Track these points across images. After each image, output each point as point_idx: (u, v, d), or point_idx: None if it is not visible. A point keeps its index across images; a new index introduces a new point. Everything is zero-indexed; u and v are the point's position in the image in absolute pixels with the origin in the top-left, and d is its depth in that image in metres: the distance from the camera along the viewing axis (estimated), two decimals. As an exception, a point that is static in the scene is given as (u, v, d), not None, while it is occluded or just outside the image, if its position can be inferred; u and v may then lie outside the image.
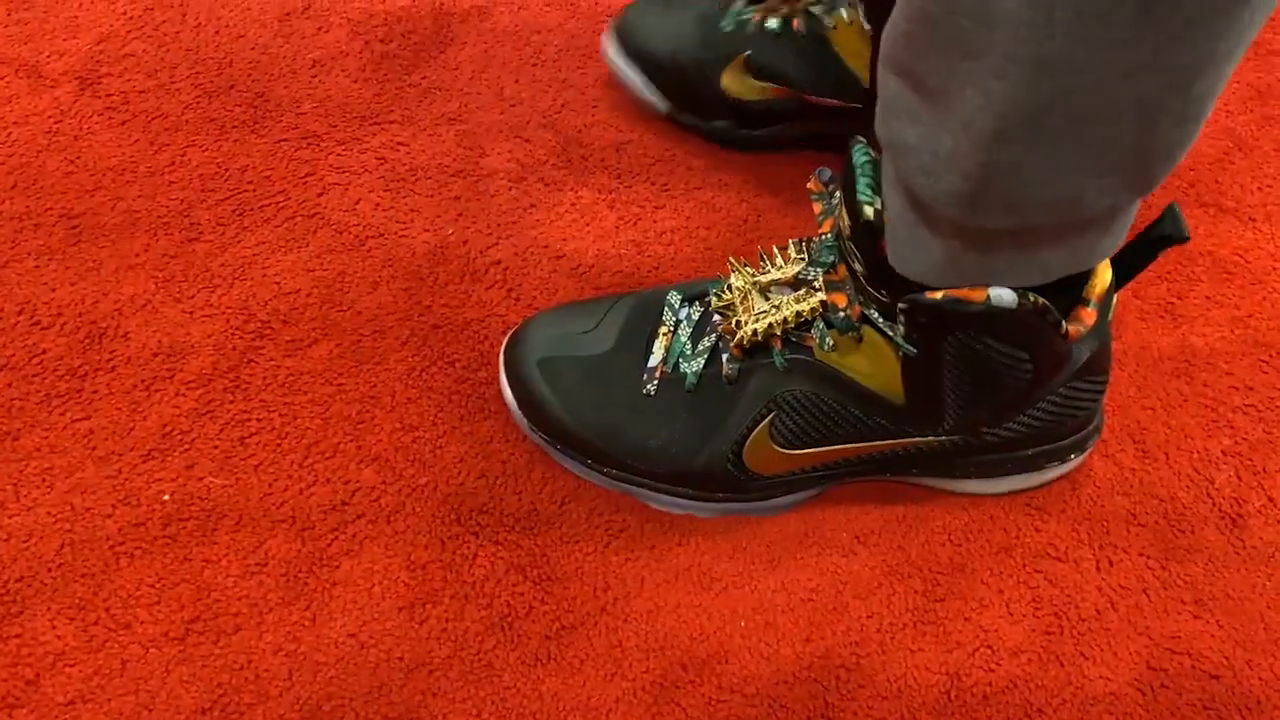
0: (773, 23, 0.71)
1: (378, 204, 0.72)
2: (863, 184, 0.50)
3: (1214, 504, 0.61)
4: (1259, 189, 0.76)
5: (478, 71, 0.80)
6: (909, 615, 0.57)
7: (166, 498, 0.59)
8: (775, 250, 0.58)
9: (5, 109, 0.76)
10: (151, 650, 0.55)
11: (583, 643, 0.56)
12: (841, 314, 0.53)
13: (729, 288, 0.57)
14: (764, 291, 0.57)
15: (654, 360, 0.58)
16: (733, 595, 0.58)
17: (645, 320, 0.60)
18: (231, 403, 0.63)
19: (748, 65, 0.72)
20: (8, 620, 0.55)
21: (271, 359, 0.65)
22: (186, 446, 0.61)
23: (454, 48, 0.81)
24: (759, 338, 0.55)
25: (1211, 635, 0.57)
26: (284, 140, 0.75)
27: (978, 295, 0.48)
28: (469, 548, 0.58)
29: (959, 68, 0.40)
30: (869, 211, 0.49)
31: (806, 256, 0.56)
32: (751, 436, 0.57)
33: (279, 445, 0.61)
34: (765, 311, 0.56)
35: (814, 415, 0.56)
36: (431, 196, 0.73)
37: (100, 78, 0.78)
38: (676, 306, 0.60)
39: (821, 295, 0.54)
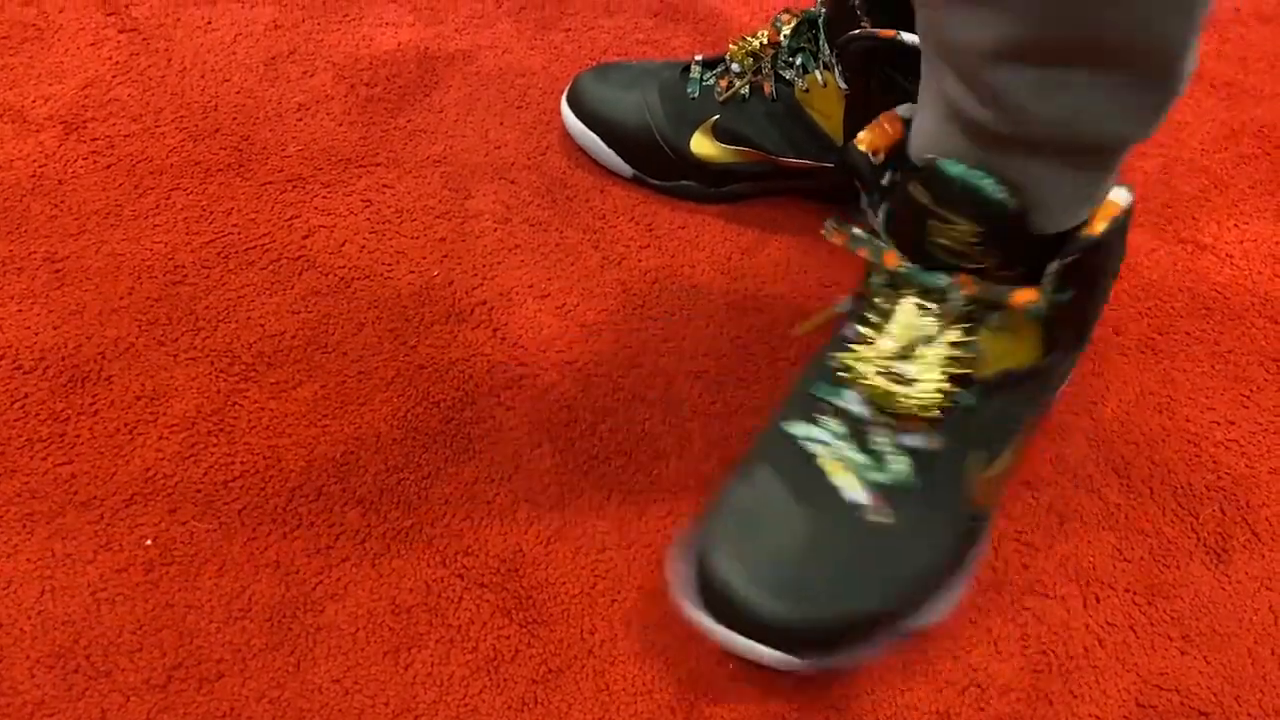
0: (742, 89, 0.72)
1: (363, 246, 0.73)
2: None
3: (1199, 539, 0.62)
4: (1235, 226, 0.77)
5: (463, 114, 0.81)
6: (898, 655, 0.57)
7: (149, 543, 0.59)
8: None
9: (-10, 153, 0.76)
10: (133, 699, 0.54)
11: (570, 686, 0.55)
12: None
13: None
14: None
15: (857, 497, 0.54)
16: (720, 636, 0.57)
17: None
18: (215, 446, 0.62)
19: (717, 130, 0.73)
20: (-14, 669, 0.54)
21: (256, 401, 0.64)
22: (169, 490, 0.61)
23: (439, 91, 0.82)
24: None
25: (1200, 671, 0.57)
26: (269, 183, 0.76)
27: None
28: (454, 590, 0.58)
29: None
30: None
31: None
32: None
33: (263, 488, 0.61)
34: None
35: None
36: (417, 238, 0.73)
37: (85, 122, 0.78)
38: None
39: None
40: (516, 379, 0.67)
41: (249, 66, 0.83)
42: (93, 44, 0.83)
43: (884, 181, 0.55)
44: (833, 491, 0.53)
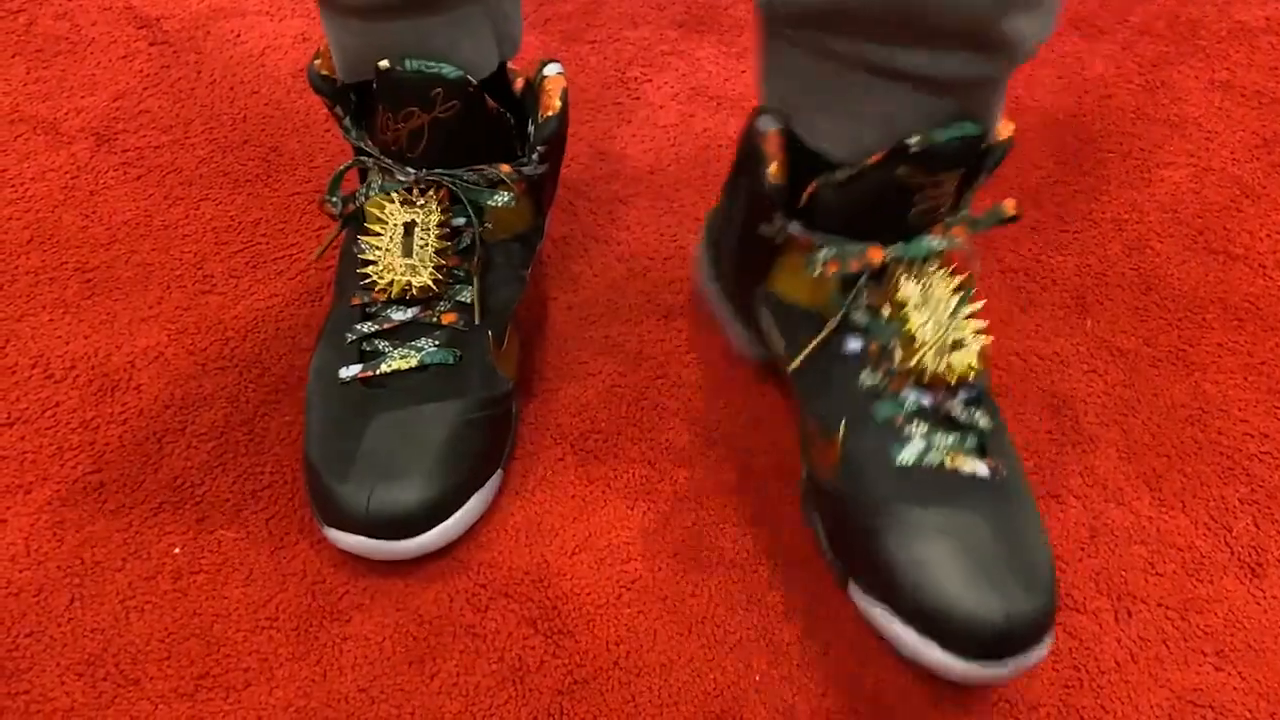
0: None
1: (390, 256, 0.73)
2: None
3: (1232, 553, 0.61)
4: (1267, 236, 0.76)
5: (489, 125, 0.81)
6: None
7: (177, 551, 0.59)
8: None
9: (23, 165, 0.77)
10: (161, 707, 0.54)
11: (595, 697, 0.55)
12: None
13: None
14: None
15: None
16: (747, 649, 0.57)
17: None
18: (244, 455, 0.63)
19: None
20: (16, 676, 0.55)
21: (285, 414, 0.65)
22: (198, 499, 0.61)
23: (465, 102, 0.82)
24: None
25: (1234, 687, 0.56)
26: (297, 194, 0.76)
27: None
28: (480, 601, 0.58)
29: None
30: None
31: None
32: None
33: (291, 498, 0.61)
34: None
35: None
36: (443, 248, 0.74)
37: (116, 134, 0.79)
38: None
39: None
40: (539, 391, 0.67)
41: (277, 79, 0.83)
42: (124, 57, 0.84)
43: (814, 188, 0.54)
44: (972, 480, 0.54)
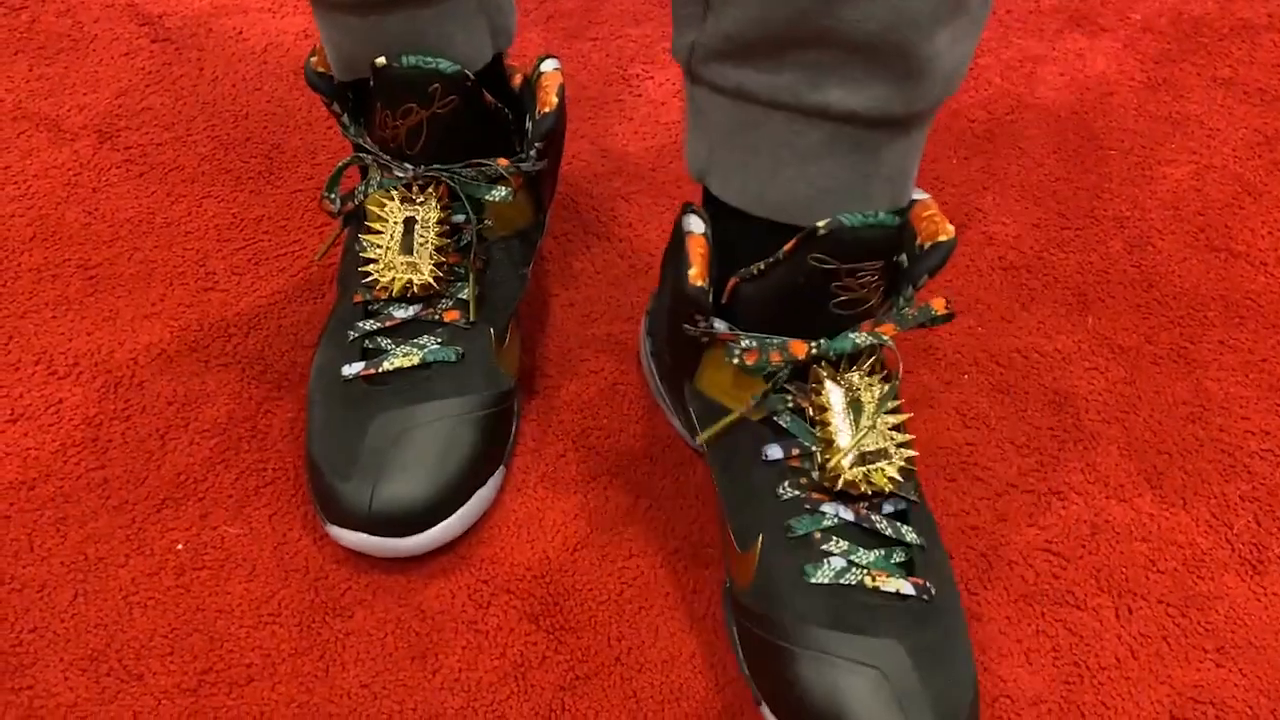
0: None
1: (392, 253, 0.73)
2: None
3: (1234, 550, 0.61)
4: (1269, 233, 0.76)
5: (491, 122, 0.81)
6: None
7: (180, 547, 0.59)
8: None
9: (26, 162, 0.77)
10: (164, 702, 0.54)
11: (597, 693, 0.55)
12: None
13: None
14: None
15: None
16: (748, 644, 0.57)
17: None
18: (247, 451, 0.63)
19: None
20: (20, 671, 0.55)
21: (288, 410, 0.65)
22: (201, 495, 0.61)
23: (467, 99, 0.82)
24: None
25: (1235, 684, 0.56)
26: (299, 190, 0.76)
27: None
28: (481, 596, 0.58)
29: None
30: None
31: None
32: None
33: (294, 494, 0.61)
34: None
35: None
36: (445, 245, 0.74)
37: (119, 131, 0.79)
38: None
39: None
40: (541, 388, 0.67)
41: (279, 75, 0.84)
42: (126, 54, 0.84)
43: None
44: (895, 600, 0.51)
